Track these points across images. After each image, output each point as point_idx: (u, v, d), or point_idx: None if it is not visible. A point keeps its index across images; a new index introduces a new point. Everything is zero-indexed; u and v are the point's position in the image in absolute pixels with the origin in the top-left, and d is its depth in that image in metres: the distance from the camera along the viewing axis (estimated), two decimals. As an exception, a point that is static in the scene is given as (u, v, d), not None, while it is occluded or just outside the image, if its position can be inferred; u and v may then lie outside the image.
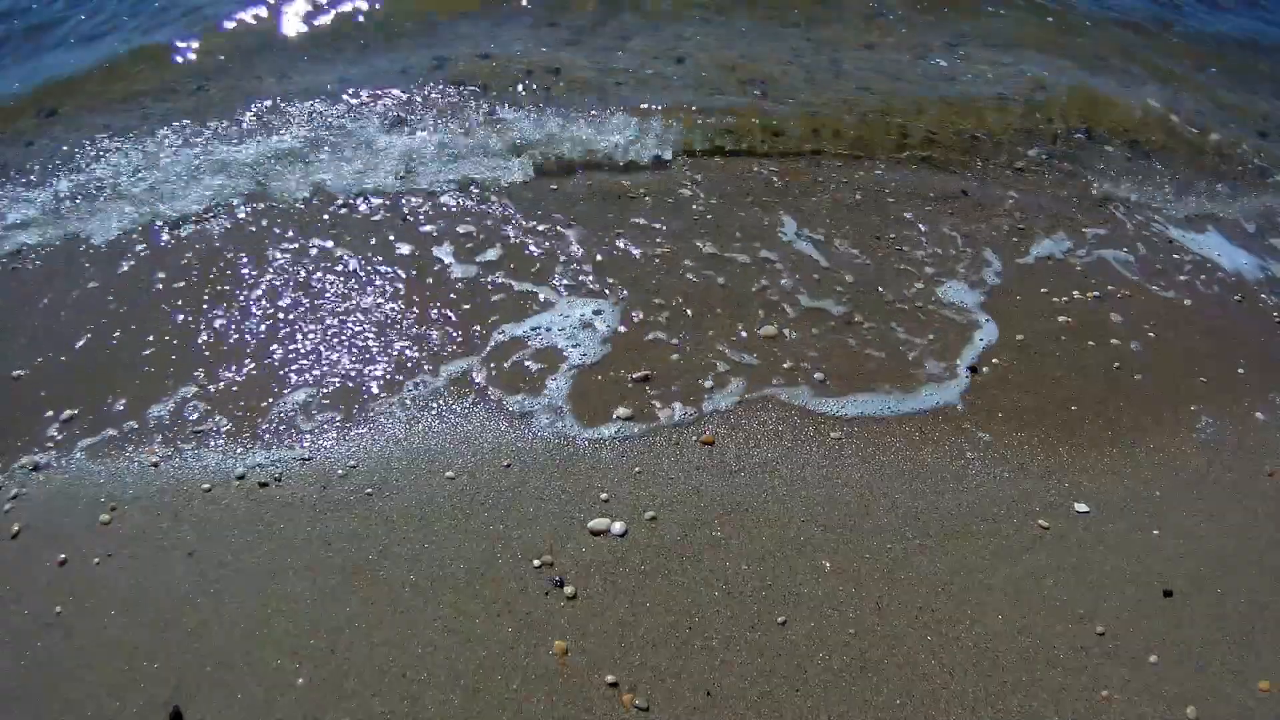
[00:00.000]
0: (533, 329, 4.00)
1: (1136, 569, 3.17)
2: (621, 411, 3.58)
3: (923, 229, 5.04)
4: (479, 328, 3.99)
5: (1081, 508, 3.38)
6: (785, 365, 3.92)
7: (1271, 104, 7.69)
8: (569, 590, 2.87)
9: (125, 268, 4.41)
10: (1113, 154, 6.23)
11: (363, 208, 4.87)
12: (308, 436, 3.42)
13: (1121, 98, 7.02)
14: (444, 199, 4.96)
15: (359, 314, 4.07)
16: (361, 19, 7.29)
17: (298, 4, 7.37)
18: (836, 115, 6.13)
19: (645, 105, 5.94)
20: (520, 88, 6.21)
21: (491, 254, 4.50)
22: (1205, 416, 3.96)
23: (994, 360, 4.10)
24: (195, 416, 3.50)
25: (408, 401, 3.58)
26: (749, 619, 2.84)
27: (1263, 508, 3.53)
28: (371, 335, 3.93)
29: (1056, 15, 8.61)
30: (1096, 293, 4.65)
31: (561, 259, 4.48)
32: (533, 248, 4.56)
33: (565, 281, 4.33)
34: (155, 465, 3.27)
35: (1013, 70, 7.24)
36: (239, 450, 3.35)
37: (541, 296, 4.21)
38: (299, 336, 3.93)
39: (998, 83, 6.97)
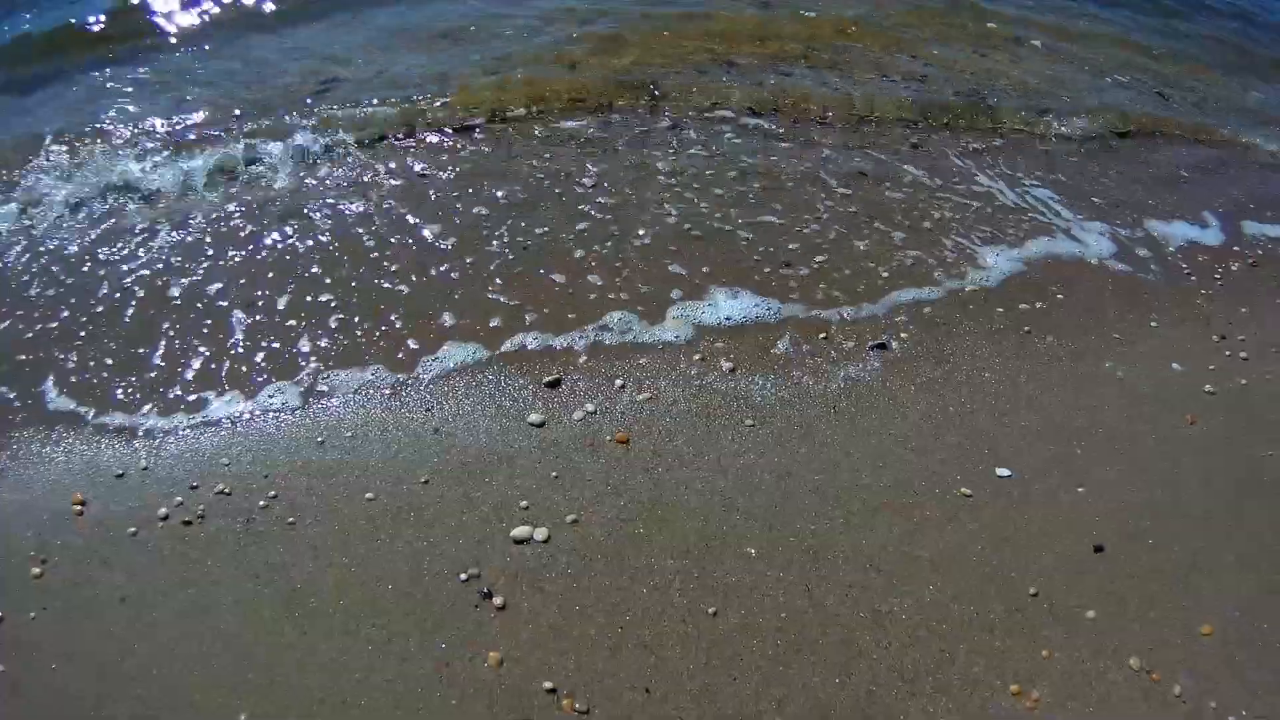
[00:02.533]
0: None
1: (1064, 528, 3.23)
2: (534, 418, 3.58)
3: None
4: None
5: (1003, 472, 3.43)
6: (695, 357, 3.94)
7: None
8: (498, 601, 2.87)
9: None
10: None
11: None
12: (225, 468, 3.37)
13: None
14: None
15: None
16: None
17: None
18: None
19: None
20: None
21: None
22: (1120, 372, 4.03)
23: (901, 335, 4.16)
24: (115, 456, 3.43)
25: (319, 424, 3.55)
26: (679, 613, 2.86)
27: (1186, 456, 3.61)
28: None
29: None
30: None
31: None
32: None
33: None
34: (80, 513, 3.23)
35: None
36: (162, 486, 3.30)
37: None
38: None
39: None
